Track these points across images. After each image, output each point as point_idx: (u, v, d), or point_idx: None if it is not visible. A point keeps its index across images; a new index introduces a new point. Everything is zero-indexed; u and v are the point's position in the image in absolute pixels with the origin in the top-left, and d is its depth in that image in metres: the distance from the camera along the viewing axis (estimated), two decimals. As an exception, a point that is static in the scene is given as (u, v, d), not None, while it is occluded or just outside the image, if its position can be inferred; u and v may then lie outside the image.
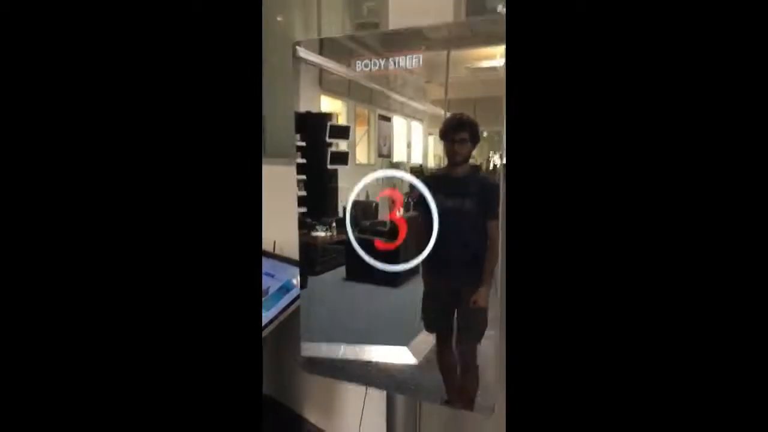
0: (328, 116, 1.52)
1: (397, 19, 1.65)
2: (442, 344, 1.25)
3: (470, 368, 1.15)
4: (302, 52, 1.45)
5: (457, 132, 1.16)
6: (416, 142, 1.40)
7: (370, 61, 1.33)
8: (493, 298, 1.11)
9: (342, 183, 1.51)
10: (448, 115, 1.19)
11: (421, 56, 1.25)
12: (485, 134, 1.18)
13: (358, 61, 1.34)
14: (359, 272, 1.47)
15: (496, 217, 1.07)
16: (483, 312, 1.12)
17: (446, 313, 1.23)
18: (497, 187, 1.06)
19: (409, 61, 1.25)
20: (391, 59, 1.29)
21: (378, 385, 1.40)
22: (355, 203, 1.50)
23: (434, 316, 1.25)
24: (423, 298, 1.24)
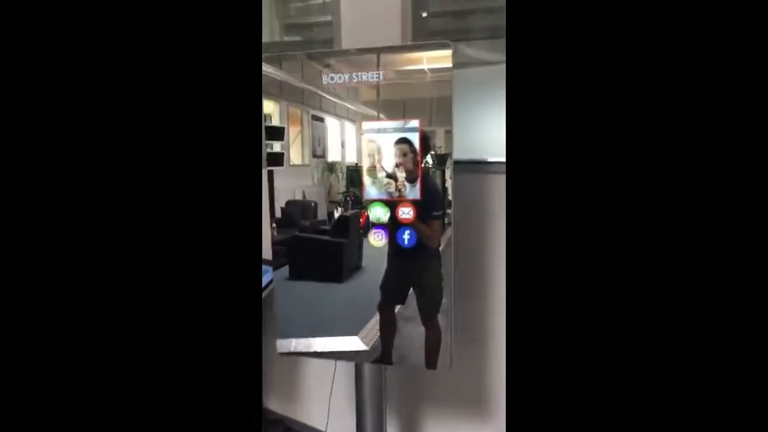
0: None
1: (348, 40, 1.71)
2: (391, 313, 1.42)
3: (434, 336, 1.37)
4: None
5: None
6: (350, 142, 1.45)
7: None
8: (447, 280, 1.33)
9: (278, 183, 1.53)
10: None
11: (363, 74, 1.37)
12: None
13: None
14: (303, 270, 1.51)
15: (439, 209, 1.35)
16: (439, 289, 1.35)
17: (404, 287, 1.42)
18: (439, 190, 1.35)
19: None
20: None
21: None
22: (292, 202, 1.52)
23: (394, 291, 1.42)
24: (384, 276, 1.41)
